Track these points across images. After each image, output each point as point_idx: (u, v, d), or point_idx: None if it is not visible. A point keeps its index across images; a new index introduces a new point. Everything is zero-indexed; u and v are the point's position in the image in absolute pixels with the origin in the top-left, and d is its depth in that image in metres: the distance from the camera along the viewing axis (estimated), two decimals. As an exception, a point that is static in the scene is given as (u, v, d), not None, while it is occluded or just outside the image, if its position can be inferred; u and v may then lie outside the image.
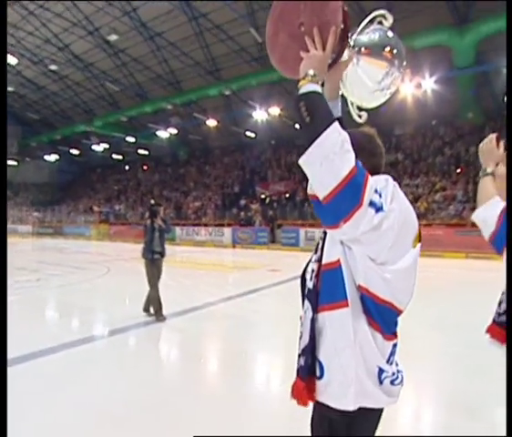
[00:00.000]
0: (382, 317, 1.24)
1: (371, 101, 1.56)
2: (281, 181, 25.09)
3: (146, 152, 33.56)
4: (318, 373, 1.28)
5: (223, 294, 8.35)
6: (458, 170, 20.39)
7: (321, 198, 1.16)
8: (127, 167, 36.06)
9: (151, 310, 6.29)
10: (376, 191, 1.16)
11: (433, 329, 5.94)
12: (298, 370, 1.33)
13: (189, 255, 17.16)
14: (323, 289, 1.28)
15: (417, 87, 17.98)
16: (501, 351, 1.86)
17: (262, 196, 24.66)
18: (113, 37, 20.69)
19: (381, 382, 1.27)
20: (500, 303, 2.05)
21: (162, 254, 6.36)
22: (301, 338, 1.32)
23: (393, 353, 1.33)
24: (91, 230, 28.22)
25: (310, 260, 1.39)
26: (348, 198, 1.12)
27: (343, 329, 1.23)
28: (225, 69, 22.62)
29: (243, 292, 8.61)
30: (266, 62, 21.09)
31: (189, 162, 31.77)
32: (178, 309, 7.00)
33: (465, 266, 14.26)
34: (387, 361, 1.30)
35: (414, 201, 19.76)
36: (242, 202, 23.97)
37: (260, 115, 21.61)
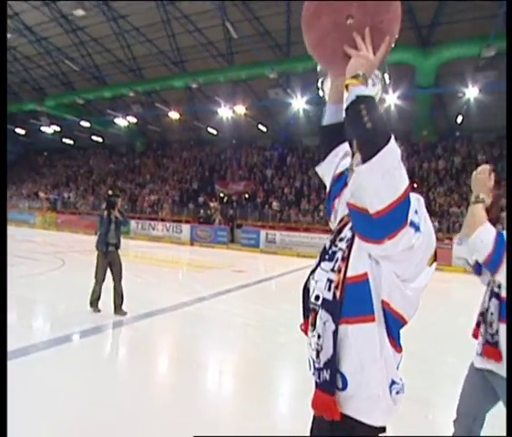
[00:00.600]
0: (397, 331, 1.27)
1: None
2: (241, 181, 24.90)
3: (100, 139, 31.96)
4: (340, 385, 1.26)
5: (195, 294, 8.04)
6: (415, 185, 21.31)
7: (373, 211, 1.12)
8: (78, 153, 34.14)
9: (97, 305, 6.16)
10: (416, 211, 1.17)
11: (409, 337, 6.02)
12: (322, 384, 1.28)
13: (146, 250, 16.49)
14: (349, 302, 1.25)
15: (381, 102, 18.53)
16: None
17: (221, 194, 24.32)
18: (79, 13, 19.36)
19: (390, 393, 1.29)
20: (491, 324, 2.17)
21: (117, 246, 6.27)
22: (320, 350, 1.29)
23: (399, 365, 1.37)
24: (36, 218, 26.29)
25: (315, 268, 1.37)
26: (399, 215, 1.11)
27: (370, 343, 1.24)
28: (190, 62, 22.03)
29: (214, 293, 8.35)
30: (234, 59, 20.83)
31: (145, 154, 30.67)
32: (151, 308, 6.62)
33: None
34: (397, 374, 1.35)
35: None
36: (201, 199, 23.49)
37: (225, 112, 21.27)
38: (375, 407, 1.25)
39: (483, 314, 2.23)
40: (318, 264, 1.38)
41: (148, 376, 4.13)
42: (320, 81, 1.61)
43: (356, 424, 1.25)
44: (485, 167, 2.20)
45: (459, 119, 21.40)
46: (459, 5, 16.33)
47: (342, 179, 1.48)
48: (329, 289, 1.29)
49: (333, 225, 1.51)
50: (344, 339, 1.25)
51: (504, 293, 2.09)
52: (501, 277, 2.02)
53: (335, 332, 1.25)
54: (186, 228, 20.93)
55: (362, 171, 1.11)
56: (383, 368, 1.24)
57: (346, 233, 1.35)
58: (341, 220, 1.44)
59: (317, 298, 1.33)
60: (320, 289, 1.32)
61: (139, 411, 3.30)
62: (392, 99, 18.51)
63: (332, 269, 1.30)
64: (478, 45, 15.94)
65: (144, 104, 24.34)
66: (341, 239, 1.35)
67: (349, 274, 1.26)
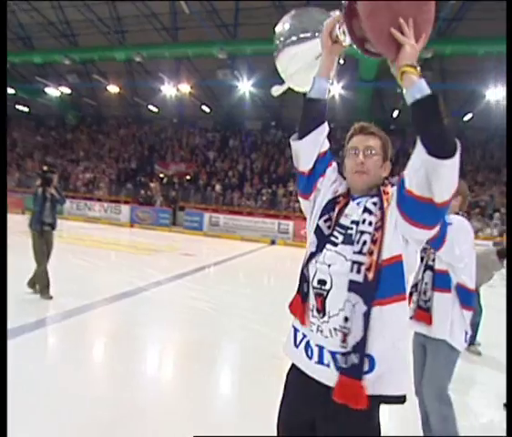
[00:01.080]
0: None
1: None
2: (183, 162, 24.27)
3: (26, 109, 29.21)
4: (367, 368, 1.28)
5: (150, 279, 7.70)
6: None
7: (440, 200, 1.22)
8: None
9: (37, 288, 5.77)
10: None
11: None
12: (349, 369, 1.27)
13: (84, 232, 15.48)
14: (384, 283, 1.29)
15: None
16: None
17: (162, 175, 23.54)
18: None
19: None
20: (425, 292, 2.44)
21: (53, 226, 5.92)
22: (348, 333, 1.30)
23: None
24: None
25: (316, 252, 1.41)
26: (449, 205, 1.28)
27: (402, 320, 1.32)
28: (131, 33, 20.81)
29: (169, 277, 8.09)
30: (178, 35, 20.00)
31: (78, 128, 28.60)
32: (109, 293, 6.24)
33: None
34: None
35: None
36: (141, 179, 22.54)
37: (168, 90, 20.45)
38: (404, 378, 1.34)
39: (416, 285, 2.48)
40: (321, 248, 1.40)
41: (111, 363, 3.89)
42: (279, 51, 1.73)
43: (376, 401, 1.29)
44: None
45: (395, 114, 22.66)
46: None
47: (325, 158, 1.55)
48: (358, 272, 1.31)
49: (313, 205, 1.54)
50: (377, 320, 1.27)
51: (437, 266, 2.39)
52: (442, 252, 2.29)
53: (366, 314, 1.27)
54: (125, 208, 20.00)
55: (447, 165, 1.18)
56: (407, 341, 1.35)
57: (360, 216, 1.40)
58: (331, 202, 1.48)
59: (321, 282, 1.36)
60: (335, 272, 1.34)
61: (97, 398, 3.10)
62: (336, 89, 19.04)
63: (360, 252, 1.33)
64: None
65: (81, 74, 22.60)
66: (354, 222, 1.40)
67: (386, 256, 1.31)
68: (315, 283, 1.39)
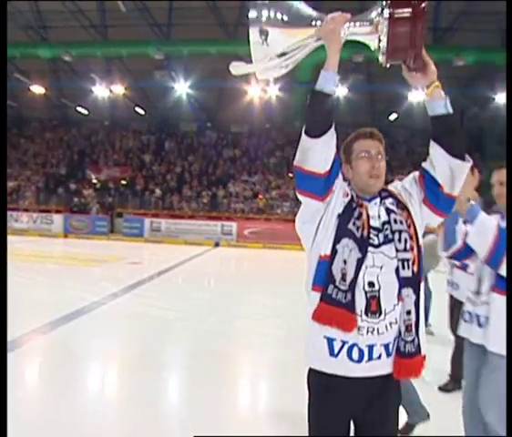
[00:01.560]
0: None
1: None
2: (117, 166, 23.22)
3: None
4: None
5: (104, 291, 7.27)
6: (290, 174, 22.80)
7: (456, 194, 1.53)
8: None
9: None
10: None
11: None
12: (416, 351, 1.47)
13: (12, 246, 14.17)
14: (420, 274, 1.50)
15: (264, 91, 19.31)
16: None
17: (95, 180, 22.32)
18: None
19: None
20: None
21: None
22: (411, 324, 1.47)
23: None
24: None
25: (363, 258, 1.45)
26: None
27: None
28: (54, 29, 19.45)
29: (124, 288, 7.71)
30: (108, 33, 19.07)
31: (-6, 132, 26.11)
32: (61, 312, 5.78)
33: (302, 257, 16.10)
34: None
35: (253, 197, 21.20)
36: (73, 186, 21.18)
37: (100, 91, 19.44)
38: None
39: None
40: (364, 252, 1.44)
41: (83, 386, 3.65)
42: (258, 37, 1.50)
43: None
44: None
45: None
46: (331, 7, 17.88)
47: (338, 159, 1.51)
48: (407, 268, 1.46)
49: (325, 206, 1.49)
50: (421, 304, 1.50)
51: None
52: None
53: (416, 302, 1.47)
54: (57, 218, 18.68)
55: (466, 167, 1.50)
56: None
57: (386, 217, 1.51)
58: (349, 204, 1.50)
59: (371, 284, 1.43)
60: (386, 272, 1.44)
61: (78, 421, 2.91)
62: (273, 90, 19.41)
63: (405, 249, 1.46)
64: (350, 51, 17.87)
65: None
66: (385, 223, 1.50)
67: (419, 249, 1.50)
68: (367, 287, 1.43)
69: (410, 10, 1.39)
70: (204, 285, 9.53)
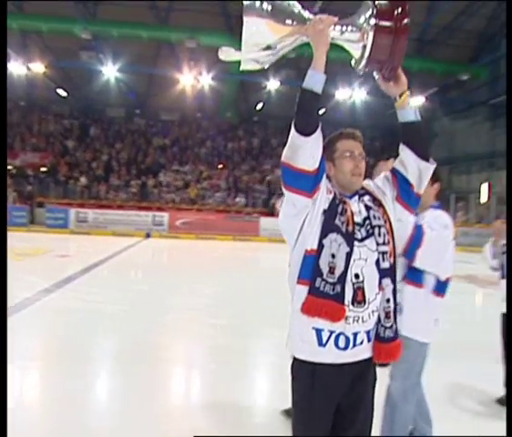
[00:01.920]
0: None
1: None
2: (36, 152, 21.55)
3: None
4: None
5: (35, 287, 6.86)
6: (220, 165, 22.84)
7: (420, 191, 1.71)
8: None
9: None
10: None
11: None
12: (394, 335, 1.61)
13: None
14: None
15: (196, 81, 19.06)
16: None
17: (10, 167, 20.47)
18: None
19: None
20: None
21: None
22: (390, 311, 1.60)
23: None
24: None
25: (351, 252, 1.53)
26: None
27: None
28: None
29: (56, 283, 7.34)
30: (24, 5, 17.46)
31: None
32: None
33: (239, 246, 16.35)
34: None
35: (184, 187, 20.94)
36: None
37: (16, 67, 17.75)
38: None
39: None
40: (351, 245, 1.52)
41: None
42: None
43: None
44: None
45: (259, 106, 23.99)
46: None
47: (324, 157, 1.54)
48: (386, 260, 1.58)
49: (313, 202, 1.54)
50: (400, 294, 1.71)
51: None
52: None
53: (393, 290, 1.61)
54: (-34, 207, 16.85)
55: (431, 168, 1.69)
56: None
57: (366, 213, 1.60)
58: (334, 200, 1.57)
59: (357, 276, 1.52)
60: (369, 264, 1.55)
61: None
62: (206, 80, 19.25)
63: (383, 243, 1.58)
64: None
65: None
66: (366, 219, 1.59)
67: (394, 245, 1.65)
68: (353, 279, 1.52)
69: (394, 23, 1.48)
70: (139, 277, 9.40)
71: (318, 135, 1.47)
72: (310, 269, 1.53)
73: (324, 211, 1.55)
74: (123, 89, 21.94)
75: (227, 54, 1.71)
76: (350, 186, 1.63)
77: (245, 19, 1.49)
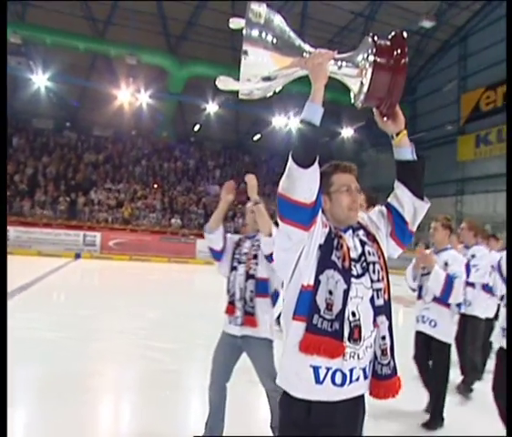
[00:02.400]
0: None
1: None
2: None
3: None
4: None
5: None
6: (155, 185, 22.39)
7: (414, 229, 1.72)
8: None
9: None
10: None
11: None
12: (392, 372, 1.58)
13: None
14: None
15: (134, 98, 18.71)
16: None
17: None
18: None
19: None
20: (251, 299, 2.73)
21: None
22: (386, 348, 1.57)
23: None
24: None
25: (349, 281, 1.51)
26: None
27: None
28: None
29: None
30: None
31: None
32: None
33: (175, 268, 16.03)
34: None
35: (118, 206, 20.17)
36: None
37: None
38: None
39: (240, 292, 2.75)
40: (348, 282, 1.51)
41: None
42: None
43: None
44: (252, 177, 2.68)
45: (196, 127, 24.07)
46: (206, 26, 18.56)
47: (320, 191, 1.53)
48: (379, 297, 1.55)
49: (313, 237, 1.52)
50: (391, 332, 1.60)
51: (259, 274, 2.75)
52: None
53: (390, 327, 1.59)
54: None
55: (426, 207, 1.66)
56: None
57: (361, 249, 1.59)
58: (330, 235, 1.56)
59: (353, 314, 1.51)
60: (365, 302, 1.53)
61: None
62: (144, 98, 18.96)
63: (378, 280, 1.56)
64: (219, 69, 18.67)
65: None
66: (362, 254, 1.58)
67: (387, 282, 1.61)
68: (351, 317, 1.51)
69: (393, 62, 1.50)
70: (68, 301, 8.85)
71: (316, 167, 1.44)
72: (306, 305, 1.50)
73: (320, 246, 1.53)
74: (53, 100, 20.80)
75: (225, 83, 1.65)
76: (347, 220, 1.62)
77: (246, 49, 1.47)
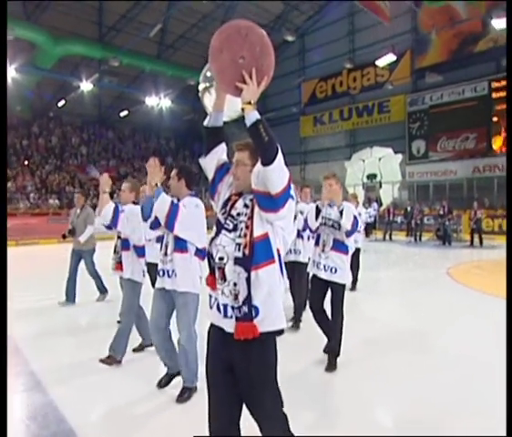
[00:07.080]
0: (281, 264, 1.90)
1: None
2: None
3: None
4: (254, 314, 1.82)
5: None
6: (26, 162, 21.12)
7: (274, 192, 1.73)
8: None
9: None
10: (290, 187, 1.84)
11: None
12: (243, 317, 1.81)
13: None
14: (257, 254, 1.81)
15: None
16: None
17: None
18: None
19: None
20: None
21: None
22: (238, 293, 1.81)
23: None
24: None
25: (216, 237, 1.90)
26: (288, 193, 1.79)
27: (274, 277, 1.85)
28: None
29: None
30: None
31: None
32: None
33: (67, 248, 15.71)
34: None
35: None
36: None
37: None
38: (279, 317, 1.87)
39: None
40: (218, 233, 1.89)
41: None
42: (201, 94, 2.19)
43: (267, 335, 1.84)
44: (155, 159, 3.00)
45: (61, 103, 23.11)
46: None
47: (223, 169, 2.01)
48: (239, 250, 1.82)
49: (217, 204, 2.00)
50: (255, 280, 1.80)
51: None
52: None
53: (248, 278, 1.80)
54: None
55: (269, 169, 1.70)
56: (280, 290, 1.89)
57: (242, 209, 1.88)
58: (227, 200, 1.96)
59: (221, 258, 1.86)
60: (228, 251, 1.84)
61: None
62: (9, 72, 17.82)
63: (239, 236, 1.84)
64: (99, 49, 19.06)
65: None
66: (238, 214, 1.88)
67: (255, 235, 1.82)
68: (217, 260, 1.86)
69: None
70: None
71: (211, 155, 2.01)
72: None
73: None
74: None
75: (230, 116, 2.12)
76: (235, 187, 1.97)
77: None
